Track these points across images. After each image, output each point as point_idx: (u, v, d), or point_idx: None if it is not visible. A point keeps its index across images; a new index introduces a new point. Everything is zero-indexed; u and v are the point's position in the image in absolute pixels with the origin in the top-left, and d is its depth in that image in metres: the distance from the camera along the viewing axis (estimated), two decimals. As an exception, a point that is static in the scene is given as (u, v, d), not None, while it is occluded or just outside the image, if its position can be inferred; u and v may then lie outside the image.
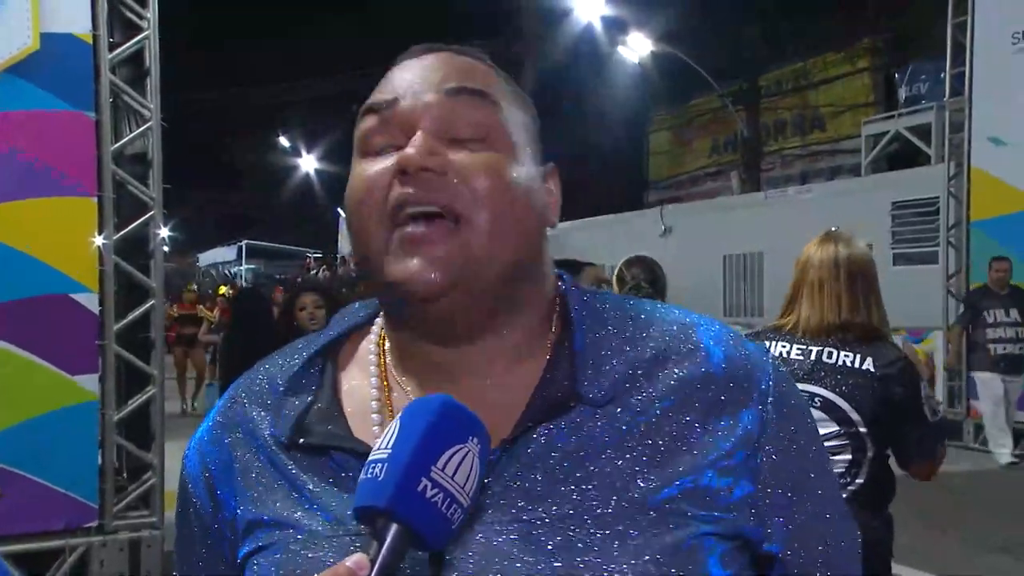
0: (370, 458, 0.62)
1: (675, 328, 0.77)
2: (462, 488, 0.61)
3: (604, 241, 11.96)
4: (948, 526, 5.27)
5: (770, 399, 0.75)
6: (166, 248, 5.64)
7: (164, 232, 4.91)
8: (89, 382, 4.24)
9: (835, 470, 2.23)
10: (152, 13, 4.49)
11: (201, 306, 12.52)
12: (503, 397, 0.72)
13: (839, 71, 17.94)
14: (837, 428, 2.24)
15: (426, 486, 0.60)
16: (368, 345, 0.82)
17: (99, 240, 4.28)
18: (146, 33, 4.49)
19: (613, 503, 0.68)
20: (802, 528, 0.75)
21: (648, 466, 0.70)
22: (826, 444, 2.11)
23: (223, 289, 14.14)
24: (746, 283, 12.58)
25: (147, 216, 4.51)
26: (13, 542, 4.10)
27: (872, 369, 2.25)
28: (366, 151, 0.75)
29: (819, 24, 17.22)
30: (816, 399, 2.25)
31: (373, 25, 24.71)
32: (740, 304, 12.39)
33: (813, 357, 2.29)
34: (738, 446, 0.72)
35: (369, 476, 0.61)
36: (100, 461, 4.33)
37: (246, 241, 30.57)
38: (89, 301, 4.24)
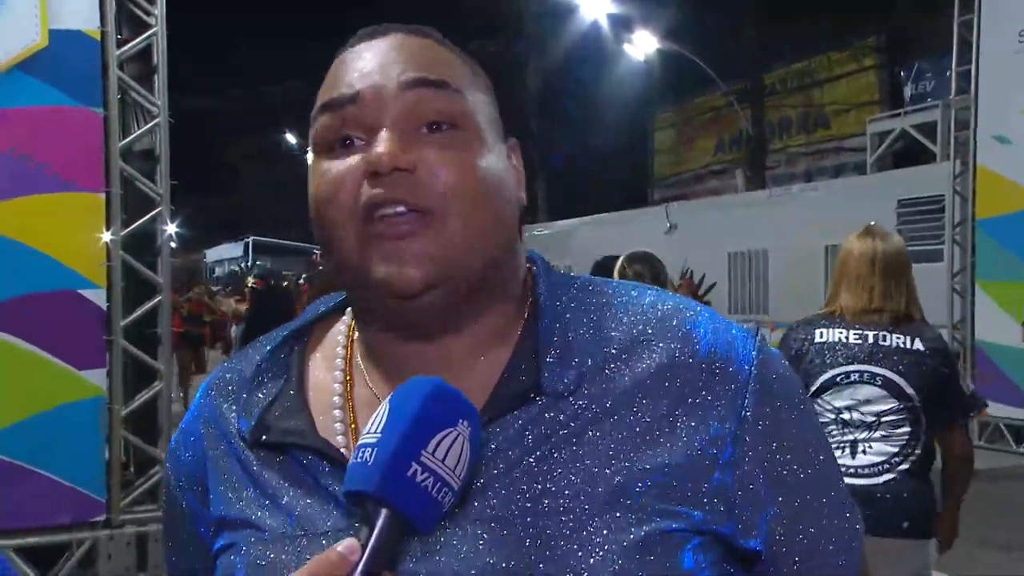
0: (360, 442, 0.62)
1: (651, 312, 0.74)
2: (452, 471, 0.61)
3: (609, 238, 11.95)
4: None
5: (751, 387, 0.72)
6: (173, 244, 5.67)
7: (171, 228, 4.92)
8: (97, 377, 4.27)
9: (897, 443, 2.46)
10: (160, 10, 4.52)
11: (210, 300, 12.40)
12: (471, 389, 0.68)
13: (844, 69, 17.91)
14: (897, 403, 2.49)
15: (416, 471, 0.60)
16: (337, 336, 0.81)
17: (107, 236, 4.30)
18: (154, 30, 4.51)
19: (581, 497, 0.67)
20: (786, 521, 0.72)
21: (615, 459, 0.68)
22: (889, 419, 2.47)
23: (250, 281, 14.06)
24: (751, 280, 12.58)
25: (154, 212, 4.54)
26: (21, 536, 4.13)
27: (922, 348, 2.51)
28: (327, 149, 0.72)
29: (824, 22, 17.18)
30: (878, 379, 2.50)
31: (381, 21, 24.69)
32: (745, 301, 12.38)
33: (871, 340, 2.54)
34: (714, 437, 0.70)
35: (359, 460, 0.61)
36: (107, 456, 4.36)
37: (253, 237, 30.62)
38: (97, 297, 4.27)
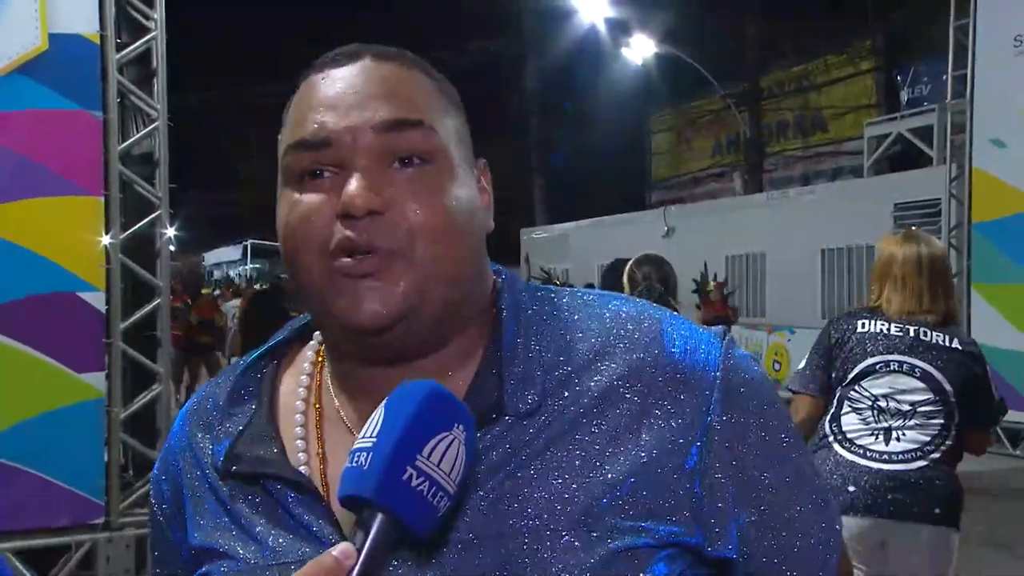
0: (355, 446, 0.62)
1: (614, 322, 0.75)
2: (448, 476, 0.61)
3: (607, 241, 11.98)
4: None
5: (715, 395, 0.72)
6: (172, 247, 5.67)
7: (170, 231, 4.94)
8: (95, 380, 4.26)
9: (930, 432, 2.52)
10: (159, 14, 4.52)
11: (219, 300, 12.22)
12: None
13: (841, 73, 17.95)
14: (933, 396, 2.56)
15: (411, 475, 0.60)
16: (306, 356, 0.81)
17: (106, 239, 4.30)
18: (153, 34, 4.52)
19: (546, 516, 0.67)
20: (759, 525, 0.72)
21: (580, 475, 0.68)
22: (924, 409, 2.53)
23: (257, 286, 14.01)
24: (749, 283, 12.60)
25: (153, 215, 4.54)
26: (20, 538, 4.13)
27: (959, 347, 2.60)
28: (298, 180, 0.72)
29: (821, 26, 17.23)
30: (916, 370, 2.58)
31: (380, 27, 24.74)
32: (743, 304, 12.40)
33: (912, 334, 2.61)
34: (680, 446, 0.70)
35: (354, 465, 0.61)
36: (106, 458, 4.36)
37: (251, 241, 30.61)
38: (96, 299, 4.26)
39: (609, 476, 0.68)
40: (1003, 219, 7.99)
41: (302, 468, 0.74)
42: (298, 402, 0.78)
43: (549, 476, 0.68)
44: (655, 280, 3.66)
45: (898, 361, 2.59)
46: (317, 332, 0.81)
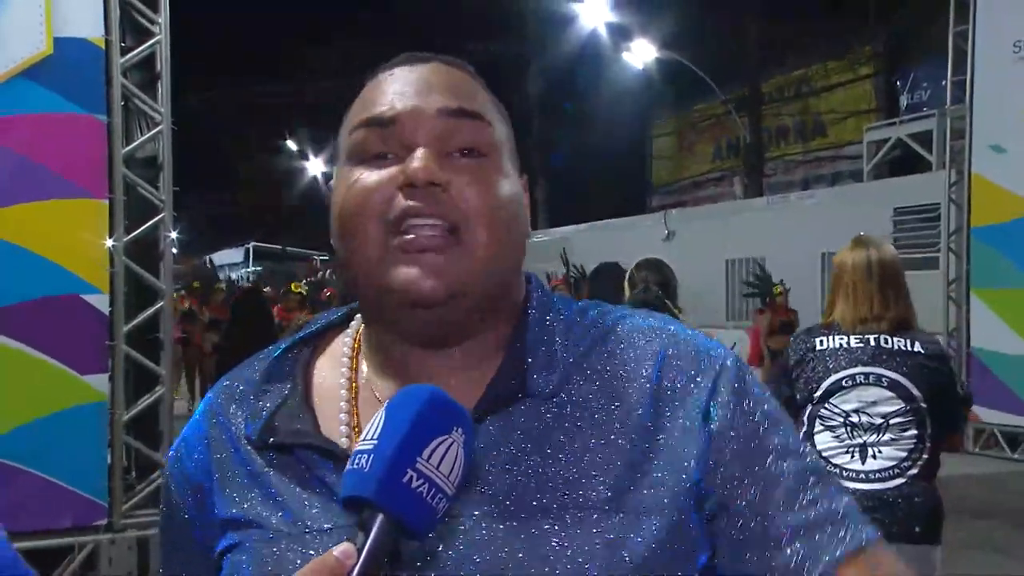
0: (356, 448, 0.63)
1: (629, 327, 0.79)
2: (447, 478, 0.63)
3: (607, 245, 12.00)
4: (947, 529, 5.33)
5: (729, 400, 0.75)
6: (175, 250, 5.70)
7: (173, 234, 4.96)
8: (99, 382, 4.29)
9: (905, 447, 2.47)
10: (164, 18, 4.55)
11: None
12: (464, 393, 0.72)
13: (841, 78, 17.99)
14: (904, 405, 2.52)
15: (411, 477, 0.61)
16: (342, 345, 0.84)
17: (109, 242, 4.33)
18: (157, 38, 4.55)
19: (567, 496, 0.70)
20: (739, 480, 0.73)
21: (602, 456, 0.71)
22: (896, 421, 2.48)
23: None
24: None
25: (157, 219, 4.57)
26: (22, 539, 4.14)
27: (922, 351, 2.55)
28: (361, 160, 0.76)
29: (821, 31, 17.27)
30: (883, 379, 2.53)
31: (380, 28, 24.78)
32: (742, 309, 12.42)
33: (872, 343, 2.57)
34: (684, 452, 0.72)
35: (355, 467, 0.62)
36: (109, 460, 4.37)
37: (253, 243, 30.67)
38: (99, 302, 4.29)
39: (629, 460, 0.72)
40: (1002, 224, 8.01)
41: (343, 440, 0.76)
42: (342, 378, 0.81)
43: (570, 456, 0.72)
44: (653, 283, 3.67)
45: (863, 373, 2.55)
46: (354, 322, 0.85)
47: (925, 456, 2.51)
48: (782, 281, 9.61)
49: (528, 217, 0.82)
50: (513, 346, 0.77)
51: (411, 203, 0.72)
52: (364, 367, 0.81)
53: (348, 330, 0.85)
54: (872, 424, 2.52)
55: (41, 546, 4.19)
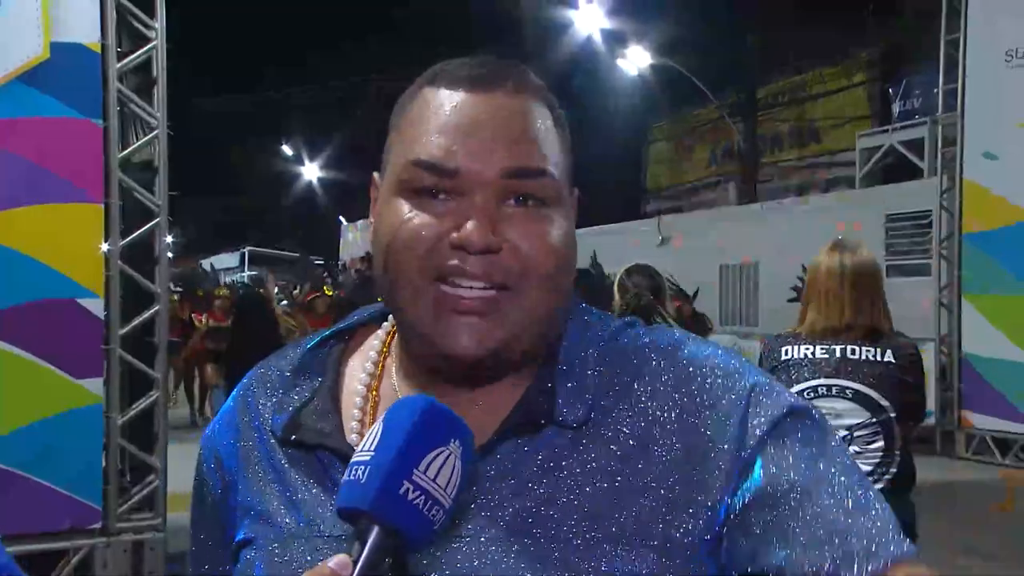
0: (353, 459, 0.63)
1: (665, 356, 0.77)
2: (443, 490, 0.62)
3: (602, 250, 12.03)
4: (928, 533, 5.36)
5: (763, 436, 0.72)
6: (170, 254, 5.71)
7: (169, 239, 4.97)
8: (94, 386, 4.29)
9: (871, 461, 2.40)
10: (160, 23, 4.56)
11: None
12: (488, 415, 0.73)
13: (835, 85, 18.05)
14: (870, 416, 2.46)
15: (408, 489, 0.61)
16: (373, 343, 0.84)
17: (105, 246, 4.34)
18: (154, 43, 4.56)
19: (584, 524, 0.70)
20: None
21: (608, 497, 0.71)
22: (860, 434, 2.41)
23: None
24: (742, 293, 12.66)
25: (153, 223, 4.58)
26: (17, 543, 4.14)
27: (893, 360, 2.49)
28: (411, 193, 0.73)
29: (816, 38, 17.34)
30: (848, 391, 2.47)
31: (378, 34, 24.82)
32: (736, 313, 12.47)
33: (838, 355, 2.50)
34: (712, 489, 0.71)
35: (352, 478, 0.62)
36: (104, 464, 4.38)
37: (249, 248, 30.63)
38: (95, 306, 4.29)
39: (633, 507, 0.71)
40: (993, 230, 8.07)
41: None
42: (359, 385, 0.81)
43: (578, 490, 0.71)
44: (645, 289, 3.66)
45: (826, 385, 2.49)
46: (387, 322, 0.85)
47: (893, 470, 2.46)
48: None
49: (576, 247, 0.78)
50: (543, 375, 0.76)
51: (460, 264, 0.71)
52: (392, 368, 0.82)
53: (379, 331, 0.85)
54: None
55: (36, 550, 4.19)
